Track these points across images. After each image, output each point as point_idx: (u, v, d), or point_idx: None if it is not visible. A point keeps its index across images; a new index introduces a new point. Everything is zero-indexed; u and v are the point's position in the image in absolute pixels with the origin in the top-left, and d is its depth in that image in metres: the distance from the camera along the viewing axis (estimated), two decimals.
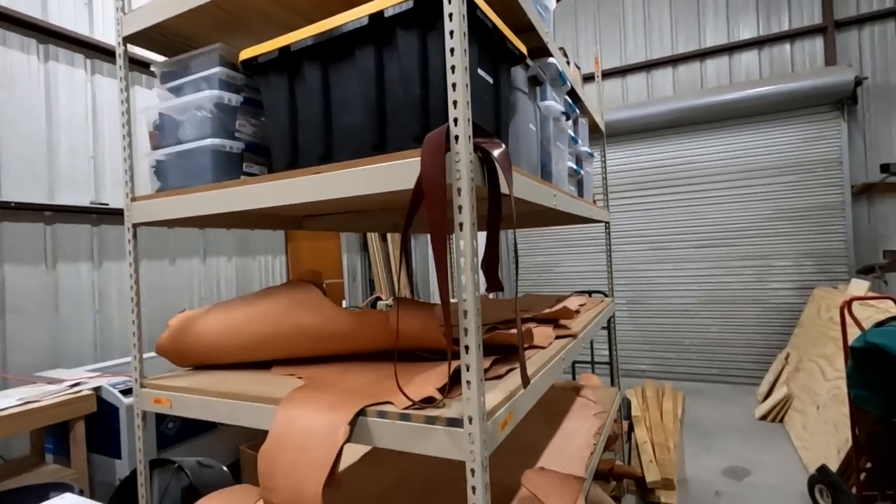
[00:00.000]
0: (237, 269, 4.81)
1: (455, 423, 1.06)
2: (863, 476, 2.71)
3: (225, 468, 2.41)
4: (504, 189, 1.13)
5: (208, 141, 1.45)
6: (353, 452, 2.43)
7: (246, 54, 1.36)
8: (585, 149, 2.63)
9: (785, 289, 5.28)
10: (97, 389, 2.61)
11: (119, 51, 1.58)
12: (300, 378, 1.47)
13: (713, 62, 5.78)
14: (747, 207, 5.45)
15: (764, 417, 4.39)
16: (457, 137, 1.03)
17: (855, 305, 3.48)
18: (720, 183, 5.59)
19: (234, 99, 1.51)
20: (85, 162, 3.61)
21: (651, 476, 3.05)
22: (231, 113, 1.53)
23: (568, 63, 2.45)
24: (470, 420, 1.03)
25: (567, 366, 1.84)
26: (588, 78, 6.42)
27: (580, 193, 2.61)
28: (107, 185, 3.73)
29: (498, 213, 1.12)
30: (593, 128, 3.18)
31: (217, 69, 1.47)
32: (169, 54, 1.75)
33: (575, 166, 2.42)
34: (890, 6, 4.97)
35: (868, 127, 5.07)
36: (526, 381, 1.15)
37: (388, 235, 6.65)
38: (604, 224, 3.49)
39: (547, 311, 2.15)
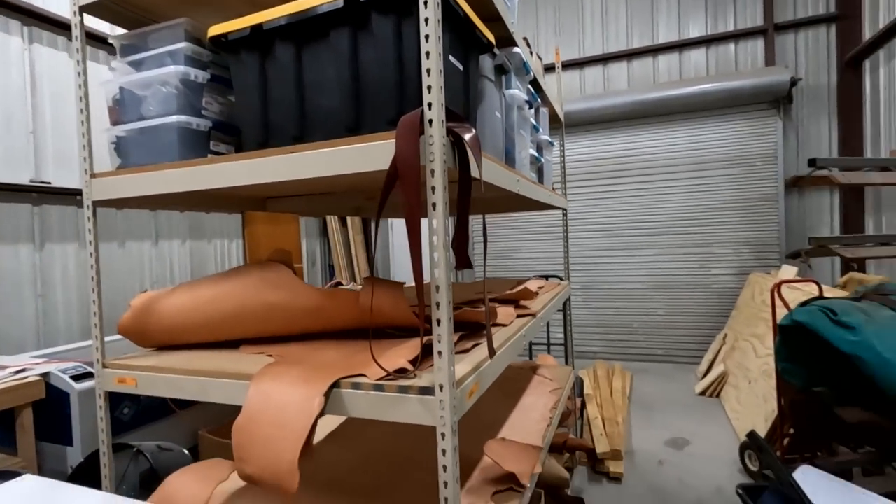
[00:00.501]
0: (191, 252, 4.66)
1: (427, 391, 1.13)
2: (786, 441, 3.01)
3: (186, 451, 2.39)
4: (474, 172, 1.19)
5: (174, 118, 1.43)
6: (319, 431, 2.46)
7: (215, 31, 1.34)
8: (546, 137, 2.73)
9: (724, 274, 5.66)
10: (45, 375, 2.50)
11: (75, 21, 1.51)
12: (270, 356, 1.49)
13: (665, 58, 6.05)
14: (692, 198, 5.79)
15: (703, 393, 4.73)
16: (430, 121, 1.08)
17: (784, 288, 3.80)
18: (668, 174, 5.89)
19: (200, 76, 1.48)
20: (23, 137, 3.39)
21: (601, 448, 3.25)
22: (197, 90, 1.50)
23: (531, 53, 2.53)
24: (441, 388, 1.10)
25: (527, 343, 1.95)
26: (549, 69, 6.55)
27: (540, 180, 2.71)
28: (48, 162, 3.52)
29: (468, 194, 1.18)
30: (553, 117, 3.29)
31: (183, 44, 1.45)
32: (127, 27, 1.69)
33: (536, 154, 2.52)
34: (823, 13, 5.35)
35: (801, 125, 5.48)
36: (492, 352, 1.23)
37: (349, 220, 6.60)
38: (561, 211, 3.63)
39: (508, 292, 2.25)
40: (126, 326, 1.60)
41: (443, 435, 1.11)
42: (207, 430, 3.00)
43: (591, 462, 3.27)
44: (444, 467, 1.11)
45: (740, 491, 2.34)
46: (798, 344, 2.64)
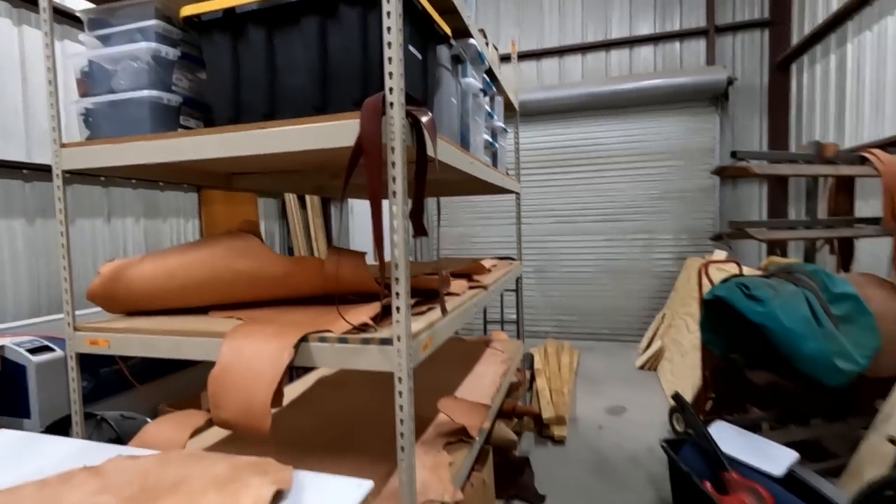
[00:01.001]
0: (146, 231, 4.59)
1: (386, 342, 1.29)
2: (709, 405, 3.37)
3: (149, 420, 2.45)
4: (430, 151, 1.34)
5: (146, 92, 1.50)
6: (285, 398, 2.58)
7: (188, 11, 1.42)
8: (500, 124, 2.91)
9: (665, 259, 6.09)
10: (0, 349, 2.49)
11: None
12: (240, 319, 1.61)
13: (617, 53, 6.35)
14: (638, 187, 6.16)
15: (642, 367, 5.13)
16: (392, 104, 1.23)
17: (711, 269, 4.18)
18: (617, 164, 6.24)
19: (171, 53, 1.56)
20: None
21: (546, 414, 3.53)
22: (168, 66, 1.57)
23: (487, 44, 2.69)
24: (398, 339, 1.26)
25: (478, 310, 2.14)
26: (506, 59, 6.73)
27: (495, 164, 2.89)
28: None
29: (424, 170, 1.33)
30: (508, 106, 3.47)
31: (153, 22, 1.51)
32: (96, 1, 1.72)
33: (490, 139, 2.70)
34: (758, 17, 5.78)
35: (736, 121, 5.93)
36: (444, 311, 1.41)
37: (308, 202, 6.60)
38: (515, 195, 3.84)
39: (462, 267, 2.43)
40: (95, 292, 1.66)
41: (400, 379, 1.27)
42: (168, 404, 3.04)
43: (538, 427, 3.54)
44: (401, 407, 1.28)
45: (664, 444, 2.65)
46: (718, 316, 2.98)
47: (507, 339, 3.69)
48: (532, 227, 6.62)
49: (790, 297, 2.68)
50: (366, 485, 1.08)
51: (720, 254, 5.03)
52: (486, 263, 3.04)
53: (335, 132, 1.28)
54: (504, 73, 3.28)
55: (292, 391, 2.67)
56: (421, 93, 1.54)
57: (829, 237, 3.26)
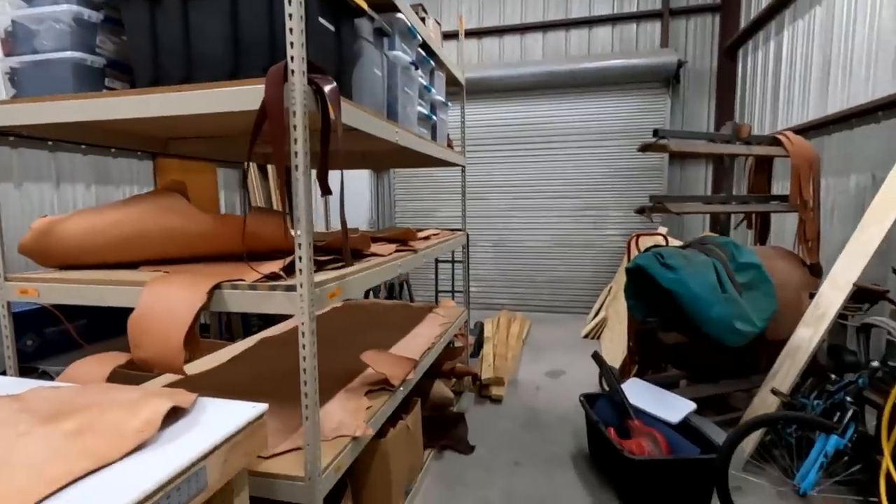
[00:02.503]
0: (98, 198, 4.56)
1: (291, 288, 1.43)
2: (634, 369, 3.65)
3: None
4: (332, 115, 1.46)
5: (68, 53, 1.57)
6: (224, 355, 2.72)
7: None
8: (440, 98, 3.03)
9: (615, 235, 6.37)
10: None
11: None
12: (166, 272, 1.72)
13: (577, 32, 6.46)
14: (591, 165, 6.38)
15: (587, 336, 5.43)
16: (293, 71, 1.34)
17: (642, 240, 4.43)
18: (571, 142, 6.43)
19: (93, 16, 1.62)
20: None
21: (486, 374, 3.76)
22: (91, 29, 1.64)
23: (424, 20, 2.78)
24: (301, 286, 1.41)
25: (404, 271, 2.30)
26: (471, 34, 6.77)
27: (434, 137, 3.02)
28: None
29: (328, 135, 1.46)
30: (454, 81, 3.58)
31: None
32: None
33: (427, 112, 2.82)
34: (709, 2, 5.97)
35: (686, 103, 6.17)
36: (349, 261, 1.56)
37: (270, 173, 6.60)
38: (461, 168, 3.98)
39: (393, 233, 2.58)
40: (27, 246, 1.75)
41: (302, 322, 1.42)
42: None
43: (478, 388, 3.78)
44: (304, 346, 1.44)
45: (581, 399, 2.90)
46: (640, 284, 3.22)
47: (454, 306, 3.88)
48: (490, 202, 6.79)
49: (700, 265, 2.93)
50: (260, 406, 1.24)
51: (663, 229, 5.31)
52: (425, 233, 3.19)
53: (243, 96, 1.39)
54: (454, 49, 3.37)
55: (234, 349, 2.81)
56: (334, 63, 1.65)
57: (742, 212, 3.53)
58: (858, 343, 2.64)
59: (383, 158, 3.15)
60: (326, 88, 1.41)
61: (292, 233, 1.44)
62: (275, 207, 6.74)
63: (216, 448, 1.06)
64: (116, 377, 1.54)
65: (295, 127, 1.35)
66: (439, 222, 7.02)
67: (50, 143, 4.11)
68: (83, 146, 4.47)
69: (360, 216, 7.19)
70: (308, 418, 1.45)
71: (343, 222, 1.50)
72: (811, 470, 2.07)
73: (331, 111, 1.44)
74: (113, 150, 4.80)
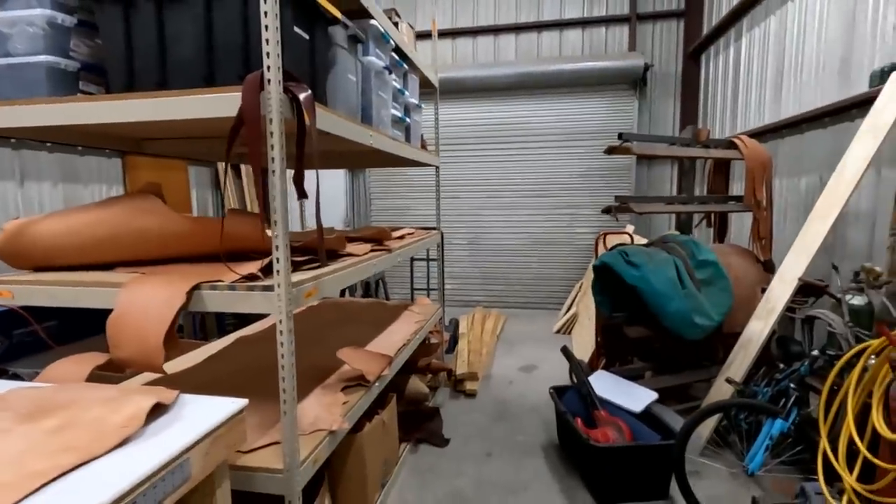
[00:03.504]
0: (65, 197, 4.47)
1: (268, 289, 1.49)
2: (602, 362, 3.81)
3: None
4: (307, 121, 1.52)
5: (42, 57, 1.59)
6: (201, 354, 2.74)
7: None
8: (413, 100, 3.10)
9: (586, 232, 6.55)
10: None
11: None
12: (143, 273, 1.75)
13: (548, 35, 6.61)
14: (563, 165, 6.54)
15: (559, 331, 5.59)
16: (269, 80, 1.40)
17: (609, 238, 4.61)
18: (544, 142, 6.58)
19: (67, 20, 1.64)
20: None
21: (461, 370, 3.86)
22: (65, 33, 1.65)
23: (397, 24, 2.85)
24: (279, 286, 1.47)
25: (379, 271, 2.37)
26: (445, 34, 6.83)
27: (408, 139, 3.09)
28: None
29: (303, 140, 1.52)
30: (428, 83, 3.65)
31: None
32: None
33: (401, 114, 2.88)
34: (674, 8, 6.19)
35: (653, 105, 6.38)
36: (324, 263, 1.62)
37: (243, 172, 6.55)
38: (435, 168, 4.06)
39: (368, 233, 2.64)
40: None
41: (280, 321, 1.48)
42: None
43: (453, 383, 3.87)
44: (282, 344, 1.50)
45: (551, 391, 3.03)
46: (606, 280, 3.37)
47: (429, 304, 3.96)
48: (464, 200, 6.88)
49: (661, 262, 3.09)
50: (240, 402, 1.30)
51: (630, 227, 5.50)
52: (400, 231, 3.26)
53: (220, 104, 1.43)
54: (428, 50, 3.44)
55: (210, 349, 2.82)
56: (308, 70, 1.70)
57: (701, 212, 3.71)
58: (803, 334, 2.84)
59: (360, 158, 3.20)
60: (301, 96, 1.47)
61: (269, 234, 1.50)
62: (248, 206, 6.68)
63: (199, 441, 1.12)
64: (93, 378, 1.57)
65: (272, 133, 1.41)
66: (414, 220, 7.08)
67: (13, 140, 4.01)
68: (48, 144, 4.37)
69: (335, 215, 7.19)
70: (286, 413, 1.51)
71: (319, 224, 1.56)
72: (758, 451, 2.23)
73: (306, 118, 1.50)
74: (80, 147, 4.70)
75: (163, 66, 1.54)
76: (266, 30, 1.37)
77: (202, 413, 1.22)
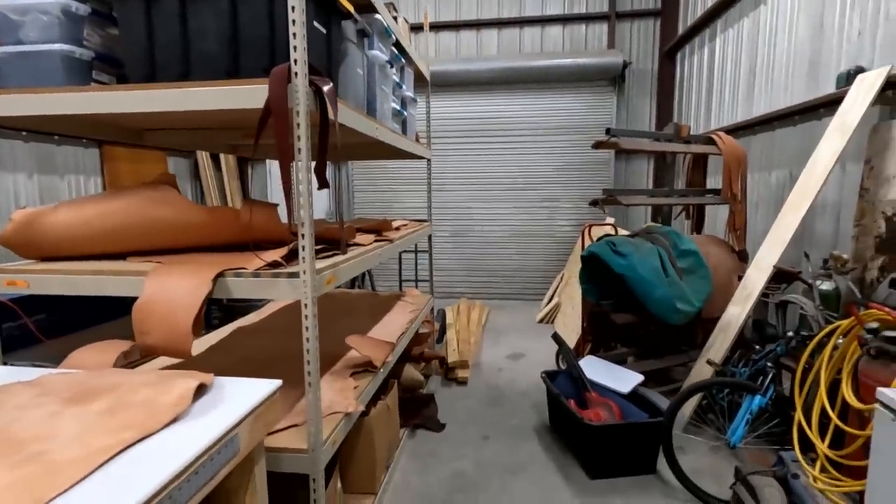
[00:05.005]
0: (41, 188, 4.33)
1: (294, 276, 1.54)
2: (588, 348, 3.97)
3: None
4: (331, 115, 1.58)
5: (57, 46, 1.58)
6: (202, 345, 2.75)
7: None
8: (410, 94, 3.15)
9: (566, 225, 6.74)
10: None
11: None
12: (159, 262, 1.77)
13: (530, 30, 6.72)
14: (544, 158, 6.70)
15: (541, 321, 5.76)
16: (296, 73, 1.45)
17: (593, 229, 4.78)
18: (525, 136, 6.71)
19: (81, 9, 1.64)
20: None
21: (452, 358, 3.96)
22: (79, 21, 1.65)
23: (395, 18, 2.89)
24: (304, 272, 1.53)
25: (384, 261, 2.44)
26: (429, 28, 6.85)
27: (404, 132, 3.15)
28: None
29: (326, 132, 1.57)
30: (420, 77, 3.71)
31: None
32: None
33: (399, 108, 2.94)
34: (651, 7, 6.39)
35: (630, 102, 6.59)
36: (344, 251, 1.68)
37: (223, 163, 6.44)
38: (426, 161, 4.11)
39: (371, 223, 2.70)
40: (8, 237, 1.74)
41: (305, 305, 1.54)
42: None
43: (445, 371, 3.97)
44: (307, 328, 1.55)
45: (543, 375, 3.16)
46: (593, 269, 3.51)
47: (419, 294, 4.04)
48: (449, 193, 6.96)
49: (646, 252, 3.25)
50: (275, 382, 1.36)
51: (611, 219, 5.70)
52: (396, 223, 3.32)
53: (247, 95, 1.47)
54: (418, 42, 3.48)
55: (210, 339, 2.83)
56: (325, 64, 1.75)
57: (681, 204, 3.91)
58: (777, 317, 3.05)
59: (355, 151, 3.24)
60: (325, 89, 1.52)
61: (293, 223, 1.55)
62: (229, 197, 6.59)
63: (245, 418, 1.17)
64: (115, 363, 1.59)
65: (298, 125, 1.46)
66: (398, 212, 7.12)
67: None
68: (24, 133, 4.22)
69: (319, 207, 7.15)
70: (311, 395, 1.58)
71: (339, 215, 1.62)
72: (739, 426, 2.41)
73: (329, 110, 1.55)
74: (56, 136, 4.55)
75: (186, 59, 1.57)
76: (293, 24, 1.42)
77: (241, 393, 1.27)
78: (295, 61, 1.43)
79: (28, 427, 1.08)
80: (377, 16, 2.28)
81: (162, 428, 1.09)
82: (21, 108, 1.56)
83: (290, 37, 1.42)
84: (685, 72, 5.95)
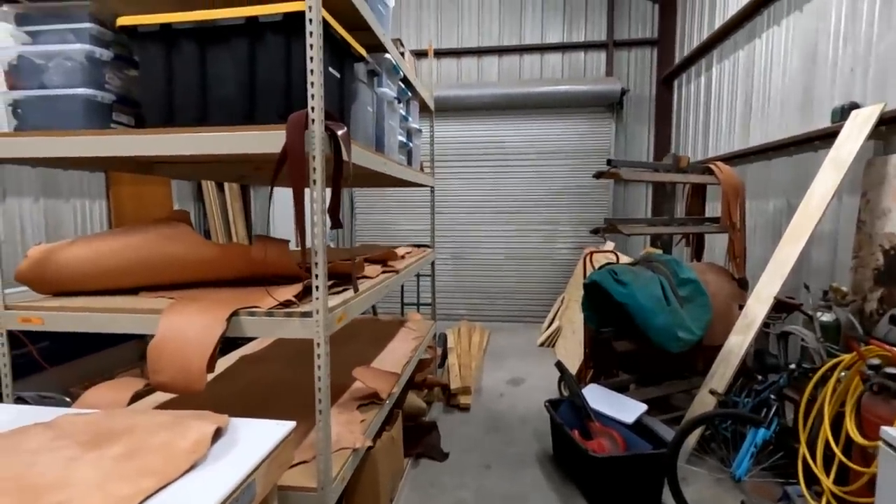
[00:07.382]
0: (46, 212, 4.36)
1: (307, 315, 1.57)
2: (590, 374, 3.98)
3: (68, 399, 2.51)
4: (345, 157, 1.62)
5: (80, 90, 1.63)
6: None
7: (125, 21, 1.58)
8: (415, 125, 3.22)
9: (566, 248, 6.79)
10: None
11: None
12: (171, 298, 1.80)
13: (529, 58, 6.87)
14: (543, 182, 6.78)
15: (542, 344, 5.76)
16: (313, 120, 1.49)
17: (595, 256, 4.83)
18: (525, 160, 6.80)
19: (104, 54, 1.69)
20: None
21: (454, 385, 3.96)
22: (100, 66, 1.71)
23: (402, 54, 2.97)
24: (317, 312, 1.55)
25: (391, 292, 2.46)
26: (422, 54, 6.99)
27: (409, 162, 3.20)
28: None
29: (340, 173, 1.62)
30: (423, 106, 3.78)
31: (88, 24, 1.64)
32: None
33: (405, 140, 3.00)
34: (648, 36, 6.56)
35: (628, 128, 6.71)
36: (356, 289, 1.71)
37: (226, 186, 6.50)
38: (429, 188, 4.18)
39: (377, 253, 2.73)
40: (24, 273, 1.77)
41: (318, 345, 1.56)
42: (83, 385, 3.06)
43: (447, 397, 3.96)
44: (319, 367, 1.57)
45: (546, 404, 3.16)
46: (595, 297, 3.54)
47: (421, 319, 4.05)
48: (448, 216, 7.02)
49: (647, 281, 3.29)
50: (288, 424, 1.37)
51: (610, 244, 5.75)
52: (401, 251, 3.36)
53: (264, 140, 1.52)
54: (420, 69, 3.56)
55: (216, 367, 2.83)
56: (338, 105, 1.80)
57: (681, 233, 3.96)
58: (779, 348, 3.08)
59: (362, 181, 3.29)
60: (340, 133, 1.57)
61: (306, 261, 1.58)
62: (231, 220, 6.64)
63: (261, 463, 1.19)
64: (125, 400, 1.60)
65: (314, 169, 1.50)
66: (399, 235, 7.16)
67: None
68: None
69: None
70: (322, 432, 1.59)
71: (352, 256, 1.65)
72: (744, 459, 2.42)
73: (343, 153, 1.59)
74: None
75: (203, 103, 1.62)
76: (311, 73, 1.47)
77: (256, 436, 1.29)
78: (312, 109, 1.48)
79: (45, 473, 1.09)
80: (386, 55, 2.35)
81: (181, 475, 1.10)
82: (42, 150, 1.60)
83: (309, 85, 1.47)
84: (682, 99, 6.08)
